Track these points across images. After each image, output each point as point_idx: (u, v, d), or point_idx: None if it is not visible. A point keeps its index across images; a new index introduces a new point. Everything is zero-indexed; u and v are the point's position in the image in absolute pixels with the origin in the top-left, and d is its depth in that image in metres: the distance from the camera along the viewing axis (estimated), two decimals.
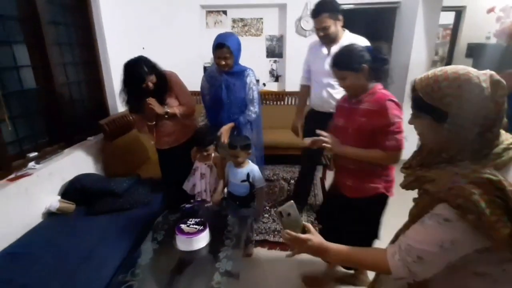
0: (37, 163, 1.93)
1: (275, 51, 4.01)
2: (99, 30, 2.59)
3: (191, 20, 3.75)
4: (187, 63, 3.44)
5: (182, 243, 1.53)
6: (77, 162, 2.24)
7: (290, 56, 3.82)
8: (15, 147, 1.88)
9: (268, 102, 3.99)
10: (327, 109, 2.08)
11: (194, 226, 1.57)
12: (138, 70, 1.84)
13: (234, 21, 3.93)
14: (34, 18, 1.98)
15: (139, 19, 3.21)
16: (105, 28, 2.61)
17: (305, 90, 2.35)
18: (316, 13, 1.98)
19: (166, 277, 1.46)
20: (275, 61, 4.05)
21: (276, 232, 2.34)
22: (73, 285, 1.42)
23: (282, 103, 3.97)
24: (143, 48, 3.19)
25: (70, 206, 1.99)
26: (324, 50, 2.09)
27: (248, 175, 1.92)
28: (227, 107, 2.08)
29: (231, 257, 1.50)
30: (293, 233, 0.91)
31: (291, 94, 3.90)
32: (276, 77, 4.10)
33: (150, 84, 1.87)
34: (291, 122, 2.43)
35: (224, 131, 2.06)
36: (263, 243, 2.24)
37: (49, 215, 1.94)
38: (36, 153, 1.97)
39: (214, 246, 1.57)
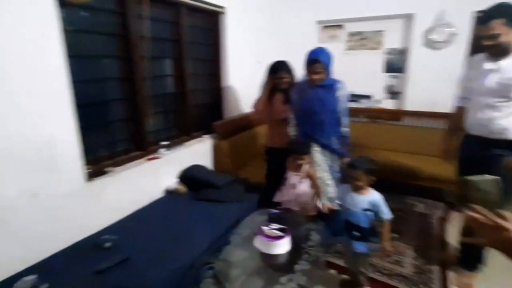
0: (166, 150, 2.48)
1: (394, 65, 3.65)
2: (223, 48, 3.09)
3: (306, 36, 3.90)
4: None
5: (261, 244, 1.62)
6: (193, 154, 2.73)
7: (415, 72, 3.42)
8: (153, 135, 2.47)
9: (381, 120, 3.69)
10: (485, 134, 1.78)
11: (276, 231, 1.64)
12: (279, 63, 2.33)
13: (350, 35, 3.85)
14: (179, 39, 2.58)
15: (257, 37, 3.57)
16: (228, 46, 3.08)
17: (461, 112, 1.99)
18: (487, 18, 1.66)
19: (243, 269, 1.62)
20: (393, 77, 3.69)
21: (394, 276, 1.99)
22: (169, 252, 1.72)
23: (398, 122, 3.58)
24: (259, 62, 3.58)
25: (183, 188, 2.47)
26: (488, 65, 1.73)
27: (370, 203, 1.67)
28: (318, 119, 2.12)
29: (306, 272, 1.52)
30: (491, 214, 0.70)
31: (412, 114, 3.47)
32: (393, 93, 3.73)
33: (284, 80, 2.29)
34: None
35: None
36: (373, 282, 1.92)
37: (167, 192, 2.45)
38: (166, 142, 2.53)
39: (293, 256, 1.60)
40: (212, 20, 2.98)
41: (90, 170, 1.90)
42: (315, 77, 2.03)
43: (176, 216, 2.12)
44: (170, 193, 2.45)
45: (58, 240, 1.69)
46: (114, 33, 2.06)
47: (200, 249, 1.77)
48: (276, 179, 2.23)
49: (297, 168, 2.05)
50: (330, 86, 2.10)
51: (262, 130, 3.44)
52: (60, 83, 1.66)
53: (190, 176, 2.55)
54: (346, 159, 2.16)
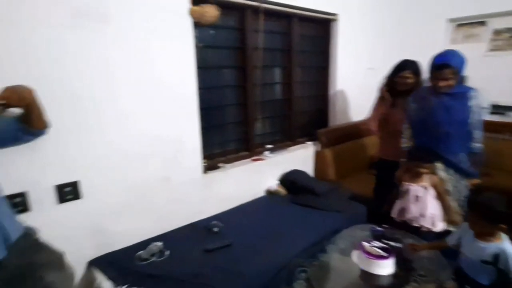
0: (270, 153, 2.66)
1: None
2: (333, 55, 3.08)
3: (432, 37, 3.44)
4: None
5: (360, 260, 1.56)
6: (295, 159, 2.81)
7: None
8: (259, 138, 2.69)
9: None
10: None
11: (377, 249, 1.55)
12: (406, 61, 2.16)
13: (497, 32, 3.17)
14: (289, 49, 2.74)
15: (371, 42, 3.38)
16: (338, 53, 3.05)
17: None
18: None
19: (338, 281, 1.61)
20: None
21: None
22: (266, 247, 1.84)
23: None
24: (371, 68, 3.40)
25: (282, 191, 2.58)
26: None
27: (496, 257, 1.28)
28: (442, 131, 1.84)
29: None
30: None
31: None
32: None
33: (407, 81, 2.10)
34: None
35: None
36: None
37: (268, 192, 2.61)
38: (271, 146, 2.71)
39: (396, 282, 1.49)
40: (322, 28, 3.03)
41: (206, 164, 2.23)
42: (442, 84, 1.78)
43: (275, 215, 2.24)
44: (270, 194, 2.60)
45: (179, 218, 2.06)
46: (233, 46, 2.38)
47: (295, 250, 1.82)
48: (386, 193, 2.07)
49: (416, 178, 1.84)
50: (461, 94, 1.81)
51: (370, 141, 3.26)
52: (191, 90, 2.03)
53: (291, 180, 2.64)
54: (475, 181, 1.83)
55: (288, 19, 2.68)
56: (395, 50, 3.58)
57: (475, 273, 1.36)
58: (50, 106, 1.33)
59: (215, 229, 2.00)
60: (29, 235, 1.32)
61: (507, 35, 3.13)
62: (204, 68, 2.17)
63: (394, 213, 1.96)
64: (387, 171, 2.12)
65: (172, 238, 1.90)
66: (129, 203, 1.84)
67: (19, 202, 1.43)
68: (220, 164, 2.35)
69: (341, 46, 3.06)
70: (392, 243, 1.67)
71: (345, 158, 2.99)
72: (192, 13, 1.95)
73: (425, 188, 1.81)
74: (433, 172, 1.85)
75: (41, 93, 1.22)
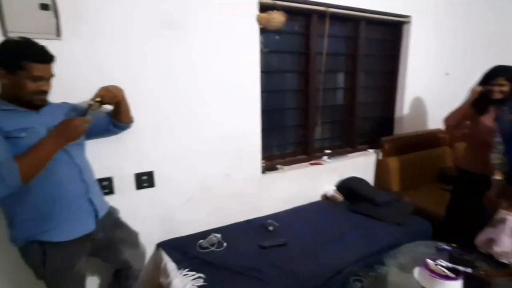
0: (328, 158, 2.62)
1: None
2: (403, 60, 2.89)
3: None
4: None
5: (423, 278, 1.46)
6: (354, 166, 2.72)
7: None
8: (318, 143, 2.67)
9: None
10: None
11: (443, 269, 1.44)
12: (500, 67, 1.92)
13: None
14: (354, 53, 2.67)
15: (449, 45, 3.10)
16: (409, 57, 2.86)
17: None
18: None
19: None
20: None
21: None
22: (320, 251, 1.84)
23: None
24: (447, 74, 3.12)
25: (339, 197, 2.52)
26: None
27: None
28: None
29: None
30: None
31: None
32: None
33: (502, 89, 1.86)
34: None
35: None
36: None
37: (324, 198, 2.58)
38: (329, 151, 2.67)
39: None
40: (392, 31, 2.88)
41: (264, 165, 2.30)
42: None
43: (331, 220, 2.21)
44: (326, 199, 2.56)
45: (237, 213, 2.16)
46: (297, 51, 2.41)
47: (350, 258, 1.79)
48: (464, 210, 1.91)
49: None
50: None
51: (441, 152, 3.00)
52: (255, 92, 2.13)
53: (349, 187, 2.56)
54: None
55: (355, 22, 2.62)
56: (482, 53, 3.26)
57: None
58: (133, 106, 1.55)
59: (271, 228, 2.05)
60: (112, 213, 1.54)
61: None
62: (268, 72, 2.25)
63: (479, 242, 1.74)
64: (471, 186, 1.95)
65: (229, 232, 2.00)
66: (194, 195, 2.00)
67: (106, 186, 1.67)
68: (278, 166, 2.40)
69: (412, 50, 2.87)
70: (460, 267, 1.50)
71: (410, 169, 2.78)
72: (259, 20, 2.04)
73: None
74: None
75: (128, 93, 1.43)
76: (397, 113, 3.05)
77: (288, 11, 2.10)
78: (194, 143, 1.94)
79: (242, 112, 2.10)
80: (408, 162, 2.79)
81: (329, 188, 2.57)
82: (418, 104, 3.06)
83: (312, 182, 2.51)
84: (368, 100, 2.90)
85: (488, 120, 1.94)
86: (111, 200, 1.58)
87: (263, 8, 2.04)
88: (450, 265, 1.45)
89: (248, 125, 2.15)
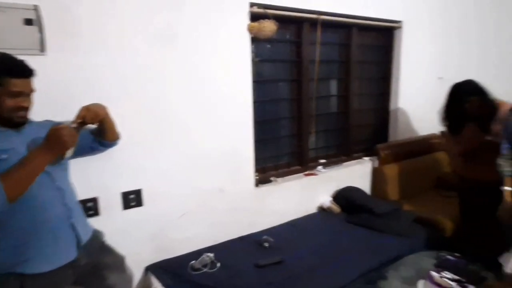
0: (323, 167, 2.56)
1: None
2: (396, 65, 2.87)
3: None
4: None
5: None
6: (350, 175, 2.66)
7: None
8: (313, 152, 2.60)
9: None
10: None
11: (449, 282, 1.42)
12: (462, 88, 1.91)
13: None
14: (347, 60, 2.63)
15: (441, 49, 3.10)
16: (402, 62, 2.84)
17: None
18: None
19: None
20: None
21: None
22: (320, 267, 1.76)
23: None
24: (440, 78, 3.10)
25: (336, 208, 2.44)
26: None
27: None
28: None
29: None
30: None
31: None
32: None
33: (468, 106, 1.84)
34: None
35: None
36: None
37: (321, 209, 2.50)
38: (324, 160, 2.60)
39: None
40: (384, 37, 2.86)
41: (258, 177, 2.22)
42: None
43: (329, 234, 2.14)
44: (323, 211, 2.48)
45: (231, 230, 2.07)
46: (289, 59, 2.36)
47: (353, 274, 1.71)
48: (476, 221, 1.95)
49: None
50: None
51: (439, 157, 2.96)
52: (247, 103, 2.06)
53: (346, 198, 2.49)
54: None
55: (347, 29, 2.58)
56: (475, 57, 3.27)
57: None
58: (121, 120, 1.46)
59: (266, 244, 1.97)
60: (97, 237, 1.44)
61: None
62: (260, 82, 2.19)
63: (505, 262, 1.58)
64: (477, 193, 1.96)
65: (223, 250, 1.91)
66: (187, 212, 1.91)
67: (90, 207, 1.58)
68: (272, 178, 2.32)
69: (405, 55, 2.86)
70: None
71: (407, 176, 2.72)
72: (251, 29, 1.99)
73: None
74: None
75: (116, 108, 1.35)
76: (392, 120, 3.01)
77: (280, 19, 2.05)
78: (185, 158, 1.86)
79: (234, 123, 2.03)
80: (405, 169, 2.73)
81: (325, 199, 2.50)
82: (412, 110, 3.02)
83: (307, 193, 2.44)
84: (362, 107, 2.86)
85: (468, 134, 1.91)
86: (96, 222, 1.48)
87: (254, 17, 1.99)
88: (456, 277, 1.41)
89: (241, 136, 2.08)
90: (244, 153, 2.10)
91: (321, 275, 1.70)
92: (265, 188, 2.23)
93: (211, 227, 2.01)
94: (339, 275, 1.70)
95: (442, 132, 2.19)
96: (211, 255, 1.81)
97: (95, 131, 1.41)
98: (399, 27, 2.81)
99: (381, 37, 2.85)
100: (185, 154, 1.86)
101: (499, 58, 3.31)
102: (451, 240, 2.17)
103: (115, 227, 1.59)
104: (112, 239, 1.51)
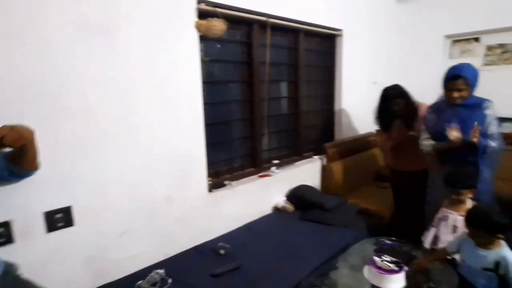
0: (277, 168, 2.42)
1: None
2: (339, 70, 2.88)
3: (431, 52, 3.38)
4: (423, 98, 2.77)
5: (371, 275, 1.42)
6: (302, 174, 2.58)
7: None
8: (266, 154, 2.45)
9: None
10: None
11: (388, 264, 1.40)
12: (390, 91, 2.08)
13: (489, 48, 3.13)
14: (296, 63, 2.54)
15: (374, 57, 3.23)
16: (343, 67, 2.86)
17: None
18: None
19: None
20: None
21: None
22: (277, 267, 1.63)
23: None
24: (374, 82, 3.20)
25: (290, 207, 2.33)
26: None
27: (497, 264, 1.25)
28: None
29: None
30: None
31: None
32: None
33: (396, 107, 2.02)
34: None
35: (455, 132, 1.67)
36: None
37: (275, 209, 2.36)
38: (277, 161, 2.47)
39: None
40: (328, 43, 2.85)
41: (211, 182, 1.98)
42: (455, 95, 1.71)
43: (284, 233, 2.02)
44: (278, 210, 2.35)
45: (182, 241, 1.81)
46: (240, 60, 2.17)
47: (307, 270, 1.63)
48: (405, 206, 2.12)
49: (456, 205, 1.60)
50: (476, 105, 1.71)
51: (376, 153, 3.02)
52: (196, 105, 1.82)
53: (298, 196, 2.40)
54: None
55: (295, 34, 2.49)
56: (397, 65, 3.48)
57: (476, 279, 1.33)
58: (41, 123, 1.12)
59: (222, 251, 1.75)
60: (9, 272, 1.06)
61: (499, 50, 3.11)
62: (210, 83, 1.96)
63: (427, 242, 1.70)
64: (403, 181, 2.12)
65: (175, 264, 1.65)
66: (129, 227, 1.59)
67: (1, 233, 1.18)
68: (226, 182, 2.10)
69: (345, 61, 2.88)
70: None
71: (351, 172, 2.74)
72: (199, 27, 1.75)
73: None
74: (471, 197, 1.61)
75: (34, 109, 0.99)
76: (336, 120, 3.02)
77: (229, 19, 1.86)
78: (127, 166, 1.55)
79: (183, 126, 1.78)
80: (349, 166, 2.75)
81: (280, 199, 2.37)
82: (353, 111, 3.07)
83: (262, 195, 2.27)
84: (311, 108, 2.81)
85: (397, 129, 2.05)
86: (10, 251, 1.10)
87: (203, 14, 1.77)
88: (393, 259, 1.43)
89: (191, 140, 1.83)
90: (195, 158, 1.86)
91: (278, 276, 1.58)
92: (219, 192, 2.01)
93: (160, 240, 1.72)
94: (295, 273, 1.60)
95: (377, 130, 2.31)
96: (161, 271, 1.53)
97: (8, 156, 1.02)
98: (340, 35, 2.82)
99: (325, 43, 2.84)
100: (126, 162, 1.55)
101: (413, 65, 3.54)
102: (388, 226, 2.23)
103: (38, 255, 1.23)
104: (34, 270, 1.15)
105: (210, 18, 1.76)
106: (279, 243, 1.87)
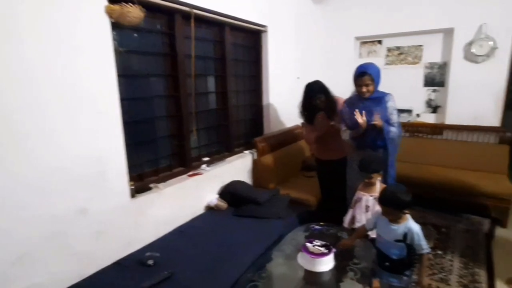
0: (208, 166, 2.35)
1: (435, 79, 3.45)
2: (265, 65, 2.94)
3: (346, 51, 3.78)
4: (339, 92, 3.07)
5: (304, 261, 1.52)
6: (234, 170, 2.56)
7: (455, 85, 3.21)
8: (195, 151, 2.35)
9: (421, 134, 3.41)
10: None
11: (319, 248, 1.53)
12: (312, 87, 2.20)
13: (389, 50, 3.68)
14: (222, 57, 2.48)
15: (297, 53, 3.39)
16: (269, 62, 2.93)
17: None
18: None
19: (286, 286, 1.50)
20: (433, 91, 3.46)
21: None
22: (212, 268, 1.58)
23: (439, 137, 3.32)
24: (298, 78, 3.38)
25: (223, 205, 2.29)
26: None
27: (405, 235, 1.44)
28: (368, 131, 1.98)
29: None
30: None
31: (453, 128, 3.23)
32: (434, 107, 3.49)
33: (319, 101, 2.16)
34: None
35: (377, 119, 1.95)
36: None
37: (208, 208, 2.29)
38: (208, 158, 2.40)
39: (337, 274, 1.51)
40: (254, 38, 2.87)
41: (133, 187, 1.79)
42: (364, 89, 1.98)
43: (218, 232, 1.97)
44: (211, 209, 2.28)
45: (104, 255, 1.59)
46: (162, 53, 2.00)
47: (244, 266, 1.63)
48: (330, 192, 2.34)
49: (369, 188, 1.81)
50: (379, 98, 2.01)
51: (302, 145, 3.21)
52: (112, 101, 1.60)
53: (231, 192, 2.37)
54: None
55: (221, 27, 2.42)
56: (318, 62, 3.78)
57: (390, 251, 1.49)
58: None
59: (150, 262, 1.60)
60: None
61: (396, 52, 3.66)
62: (128, 76, 1.75)
63: (346, 222, 1.92)
64: (327, 170, 2.34)
65: (93, 285, 1.44)
66: (31, 249, 1.31)
67: None
68: (151, 185, 1.93)
69: (271, 56, 2.96)
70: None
71: (281, 164, 2.85)
72: (110, 12, 1.54)
73: (376, 199, 1.77)
74: (383, 181, 1.85)
75: None
76: (265, 114, 3.09)
77: (148, 7, 1.69)
78: (24, 176, 1.27)
79: (97, 125, 1.55)
80: (278, 158, 2.85)
81: (212, 198, 2.31)
82: (280, 105, 3.19)
83: (193, 194, 2.17)
84: (240, 103, 2.80)
85: (320, 121, 2.20)
86: None
87: None
88: (323, 242, 1.55)
89: (107, 141, 1.60)
90: (113, 161, 1.64)
91: (214, 277, 1.53)
92: (144, 197, 1.83)
93: (73, 260, 1.48)
94: (231, 271, 1.58)
95: (302, 123, 2.45)
96: None
97: None
98: (265, 31, 2.87)
99: (251, 38, 2.85)
100: (23, 170, 1.27)
101: (330, 62, 3.90)
102: (316, 212, 2.41)
103: None
104: None
105: (124, 4, 1.55)
106: (214, 243, 1.81)
